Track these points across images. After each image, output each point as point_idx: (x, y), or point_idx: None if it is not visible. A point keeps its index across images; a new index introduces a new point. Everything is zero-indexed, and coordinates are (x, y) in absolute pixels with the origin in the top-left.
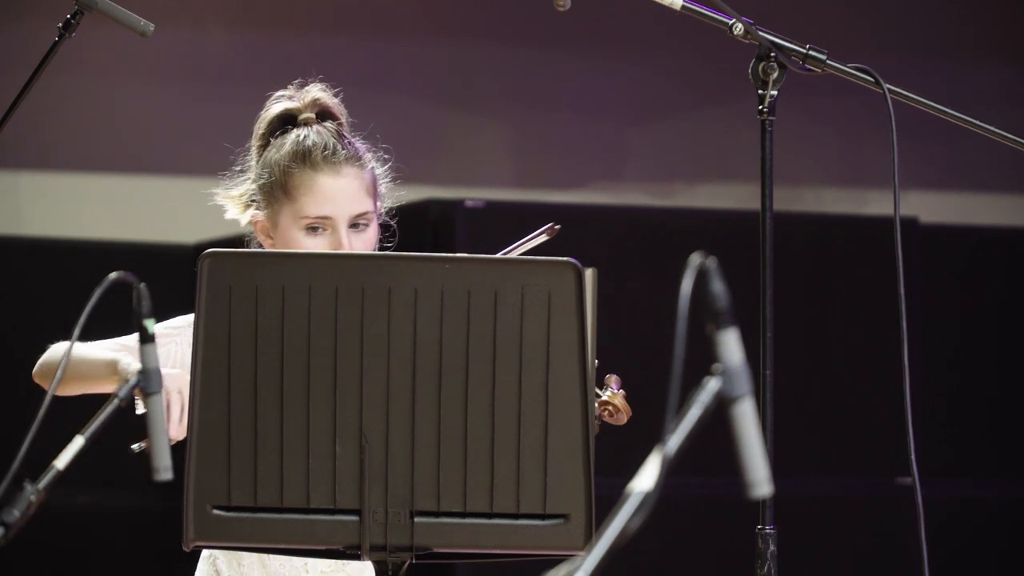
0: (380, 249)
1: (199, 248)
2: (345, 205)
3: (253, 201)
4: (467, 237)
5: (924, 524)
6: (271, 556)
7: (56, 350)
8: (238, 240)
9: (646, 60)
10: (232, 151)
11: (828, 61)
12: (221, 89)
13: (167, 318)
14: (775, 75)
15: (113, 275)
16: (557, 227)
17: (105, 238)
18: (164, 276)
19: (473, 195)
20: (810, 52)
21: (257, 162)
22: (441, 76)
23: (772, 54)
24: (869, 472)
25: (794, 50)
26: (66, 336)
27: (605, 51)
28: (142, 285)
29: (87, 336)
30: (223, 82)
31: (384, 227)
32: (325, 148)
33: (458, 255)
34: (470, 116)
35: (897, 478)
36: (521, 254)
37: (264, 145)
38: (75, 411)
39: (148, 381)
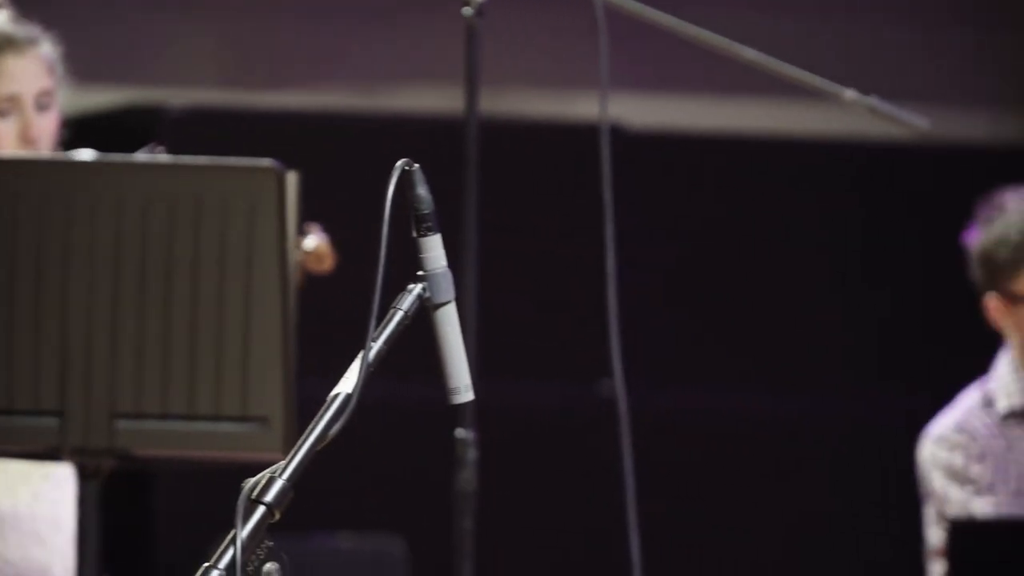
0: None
1: None
2: (30, 83)
3: None
4: (170, 145)
5: (628, 431)
6: None
7: None
8: None
9: None
10: None
11: None
12: None
13: None
14: None
15: None
16: (160, 148)
17: None
18: None
19: (176, 98)
20: None
21: None
22: None
23: None
24: (574, 379)
25: None
26: None
27: None
28: None
29: None
30: None
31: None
32: (3, 31)
33: (161, 160)
34: (172, 14)
35: (602, 385)
36: None
37: None
38: None
39: None
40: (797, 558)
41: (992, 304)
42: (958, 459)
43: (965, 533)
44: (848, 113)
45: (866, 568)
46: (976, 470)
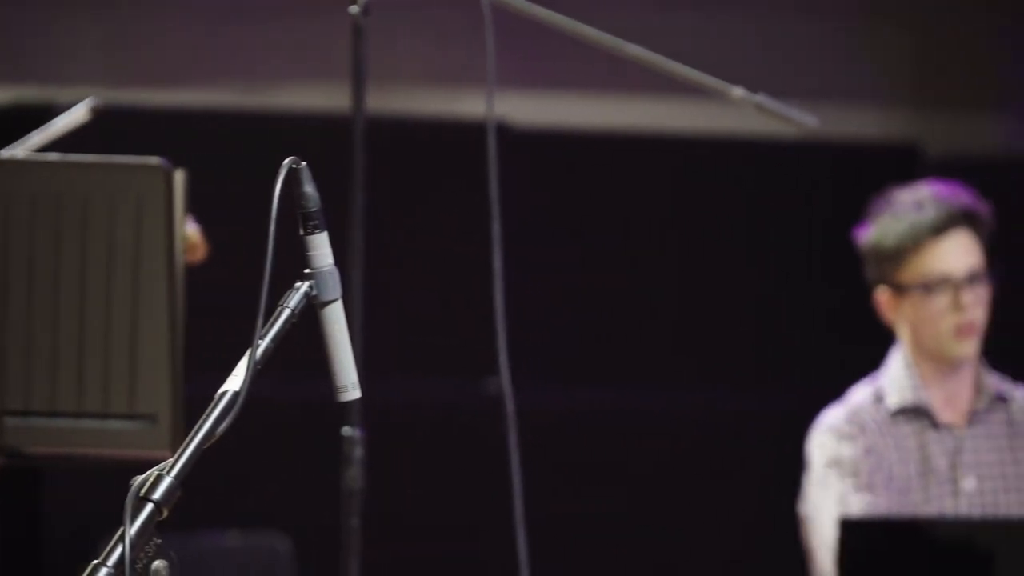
0: None
1: None
2: None
3: None
4: (57, 143)
5: (515, 428)
6: None
7: None
8: None
9: None
10: None
11: None
12: None
13: None
14: None
15: None
16: (97, 105)
17: None
18: None
19: (64, 96)
20: None
21: None
22: None
23: None
24: (460, 376)
25: None
26: None
27: None
28: None
29: None
30: None
31: None
32: None
33: (48, 158)
34: (59, 11)
35: (489, 383)
36: (53, 137)
37: None
38: None
39: None
40: (684, 557)
41: (882, 298)
42: (846, 450)
43: (855, 532)
44: (736, 111)
45: (758, 569)
46: (862, 465)
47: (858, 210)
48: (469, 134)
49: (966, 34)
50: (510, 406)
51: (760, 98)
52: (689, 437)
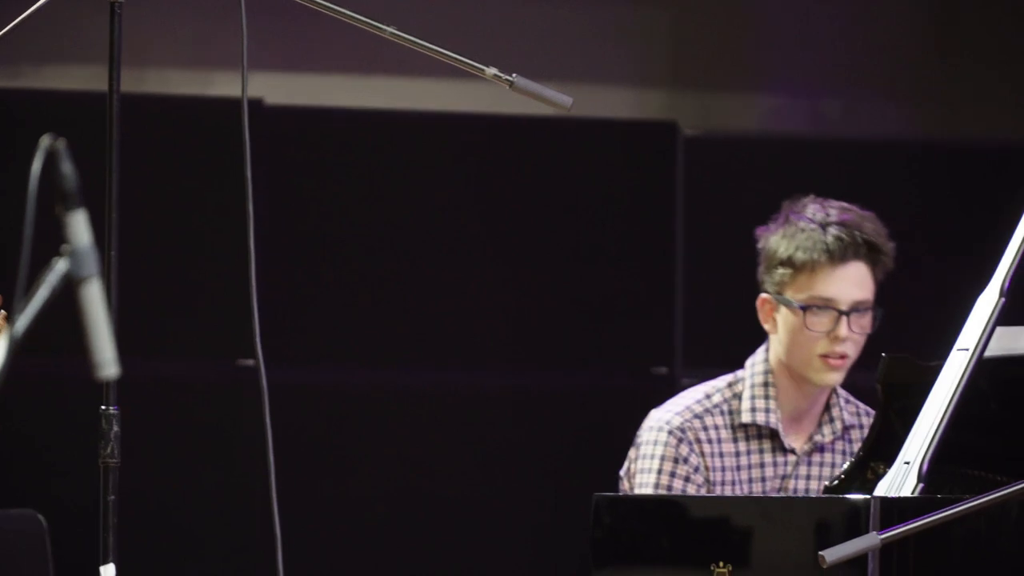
0: None
1: None
2: None
3: None
4: None
5: (268, 407)
6: None
7: None
8: None
9: None
10: None
11: None
12: None
13: None
14: None
15: None
16: None
17: None
18: None
19: None
20: None
21: None
22: None
23: None
24: (214, 354)
25: None
26: None
27: None
28: None
29: None
30: None
31: None
32: None
33: None
34: None
35: (239, 360)
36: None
37: None
38: None
39: None
40: (445, 541)
41: (763, 302)
42: (678, 469)
43: (608, 508)
44: (497, 91)
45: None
46: (688, 483)
47: (616, 187)
48: (223, 114)
49: (721, 16)
50: (264, 385)
51: (513, 78)
52: (446, 412)
